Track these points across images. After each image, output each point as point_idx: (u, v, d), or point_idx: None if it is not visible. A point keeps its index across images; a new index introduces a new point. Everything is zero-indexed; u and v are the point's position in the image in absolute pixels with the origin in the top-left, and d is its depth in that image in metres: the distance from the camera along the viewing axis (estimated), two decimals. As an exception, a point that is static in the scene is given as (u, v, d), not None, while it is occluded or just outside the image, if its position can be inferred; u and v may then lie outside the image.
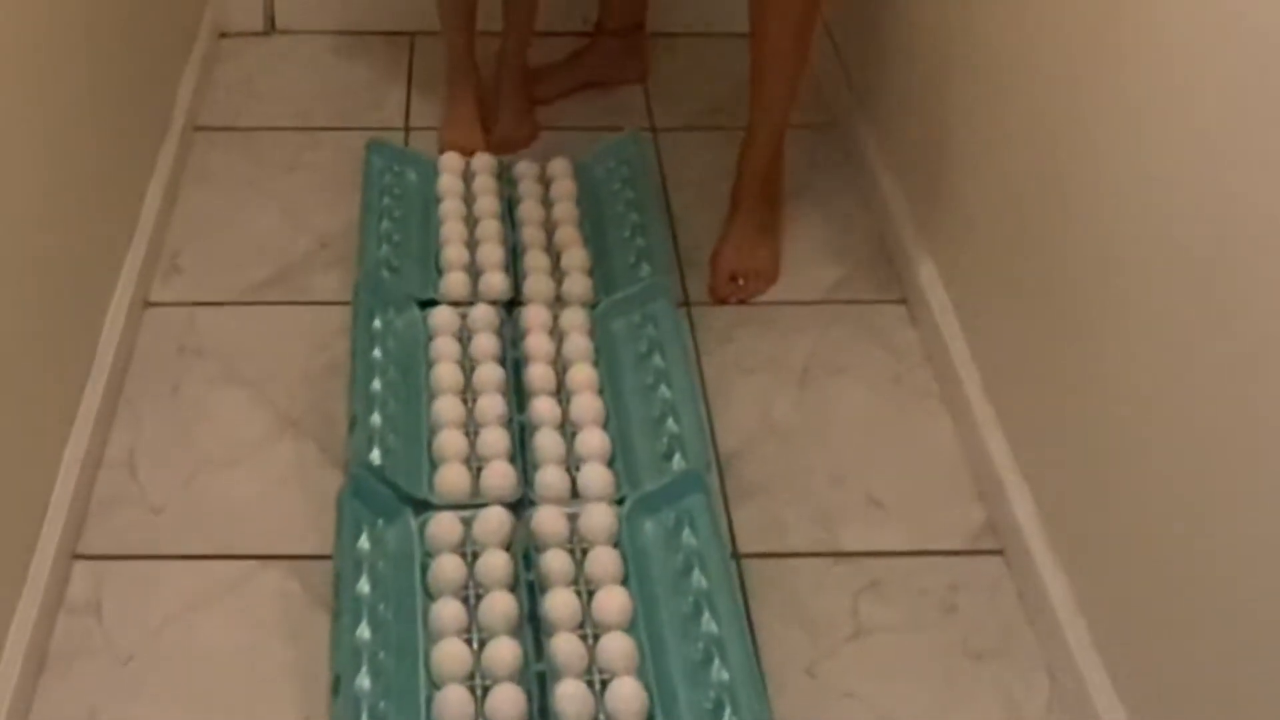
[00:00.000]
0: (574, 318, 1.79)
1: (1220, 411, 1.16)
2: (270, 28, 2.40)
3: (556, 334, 1.77)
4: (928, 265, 1.84)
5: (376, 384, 1.67)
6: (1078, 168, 1.42)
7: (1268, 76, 1.09)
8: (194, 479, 1.60)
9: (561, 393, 1.69)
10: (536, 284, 1.83)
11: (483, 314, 1.78)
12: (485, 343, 1.74)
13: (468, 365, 1.72)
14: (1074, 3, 1.42)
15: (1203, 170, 1.18)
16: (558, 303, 1.82)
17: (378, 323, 1.75)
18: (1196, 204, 1.19)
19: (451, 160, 2.03)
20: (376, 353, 1.72)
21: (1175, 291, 1.23)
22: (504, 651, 1.38)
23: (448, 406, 1.65)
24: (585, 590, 1.46)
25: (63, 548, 1.48)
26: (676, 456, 1.61)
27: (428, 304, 1.80)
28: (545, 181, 2.02)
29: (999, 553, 1.56)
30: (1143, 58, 1.28)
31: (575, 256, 1.88)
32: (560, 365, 1.73)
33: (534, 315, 1.78)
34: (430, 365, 1.71)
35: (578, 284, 1.84)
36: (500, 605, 1.42)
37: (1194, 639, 1.22)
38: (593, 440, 1.62)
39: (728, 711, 1.35)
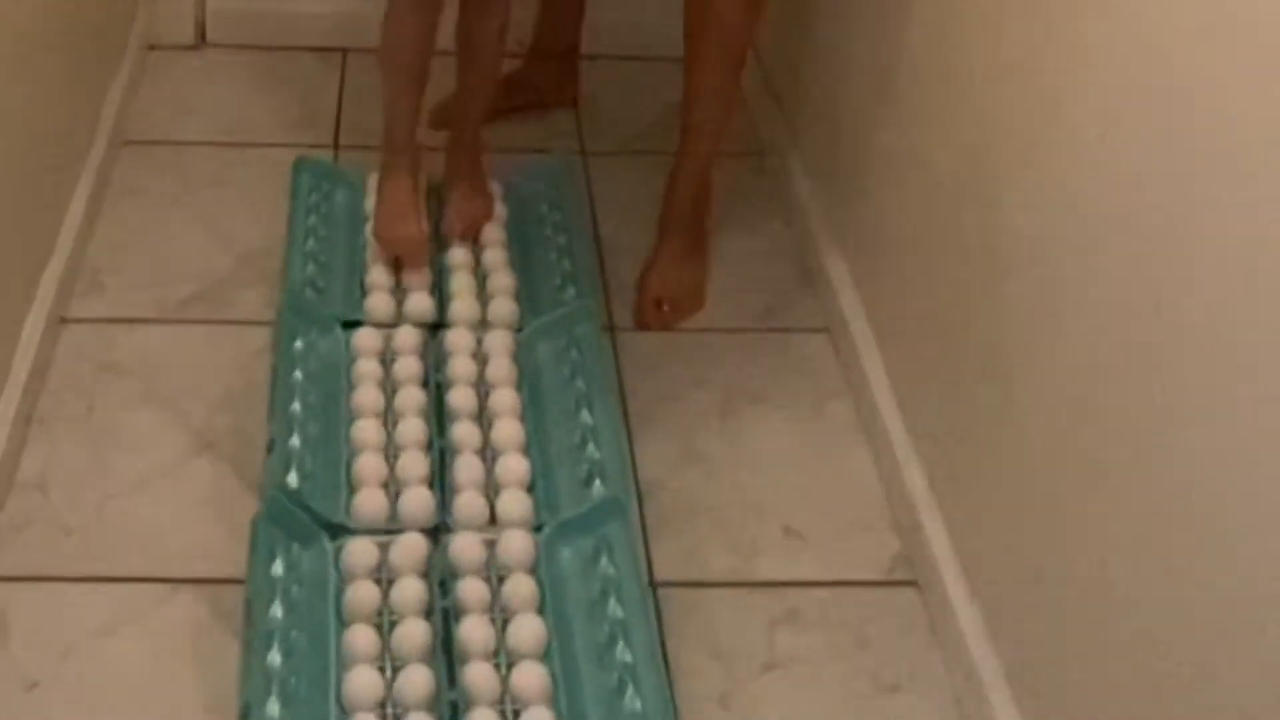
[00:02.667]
0: (498, 341, 1.78)
1: (1138, 447, 1.18)
2: (200, 41, 2.38)
3: (480, 357, 1.77)
4: (850, 295, 1.86)
5: (296, 406, 1.66)
6: (1005, 201, 1.44)
7: (1202, 119, 1.11)
8: (107, 501, 1.58)
9: (483, 417, 1.69)
10: (462, 307, 1.83)
11: (406, 336, 1.77)
12: (408, 365, 1.73)
13: (390, 388, 1.71)
14: (1007, 33, 1.44)
15: (1133, 209, 1.20)
16: (483, 326, 1.82)
17: (300, 343, 1.74)
18: (1123, 244, 1.21)
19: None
20: (298, 374, 1.70)
21: (1095, 329, 1.25)
22: (416, 680, 1.37)
23: (367, 430, 1.64)
24: (500, 618, 1.46)
25: (-32, 570, 1.46)
26: (596, 483, 1.61)
27: (352, 325, 1.79)
28: (473, 203, 2.02)
29: (914, 584, 1.57)
30: (1074, 90, 1.30)
31: (501, 280, 1.88)
32: (483, 389, 1.72)
33: (458, 338, 1.78)
34: (352, 387, 1.70)
35: (503, 307, 1.84)
36: (414, 633, 1.42)
37: (1107, 676, 1.23)
38: (513, 466, 1.61)
39: (641, 744, 1.35)
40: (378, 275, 1.86)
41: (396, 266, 1.85)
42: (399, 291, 1.85)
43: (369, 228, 1.89)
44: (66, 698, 1.39)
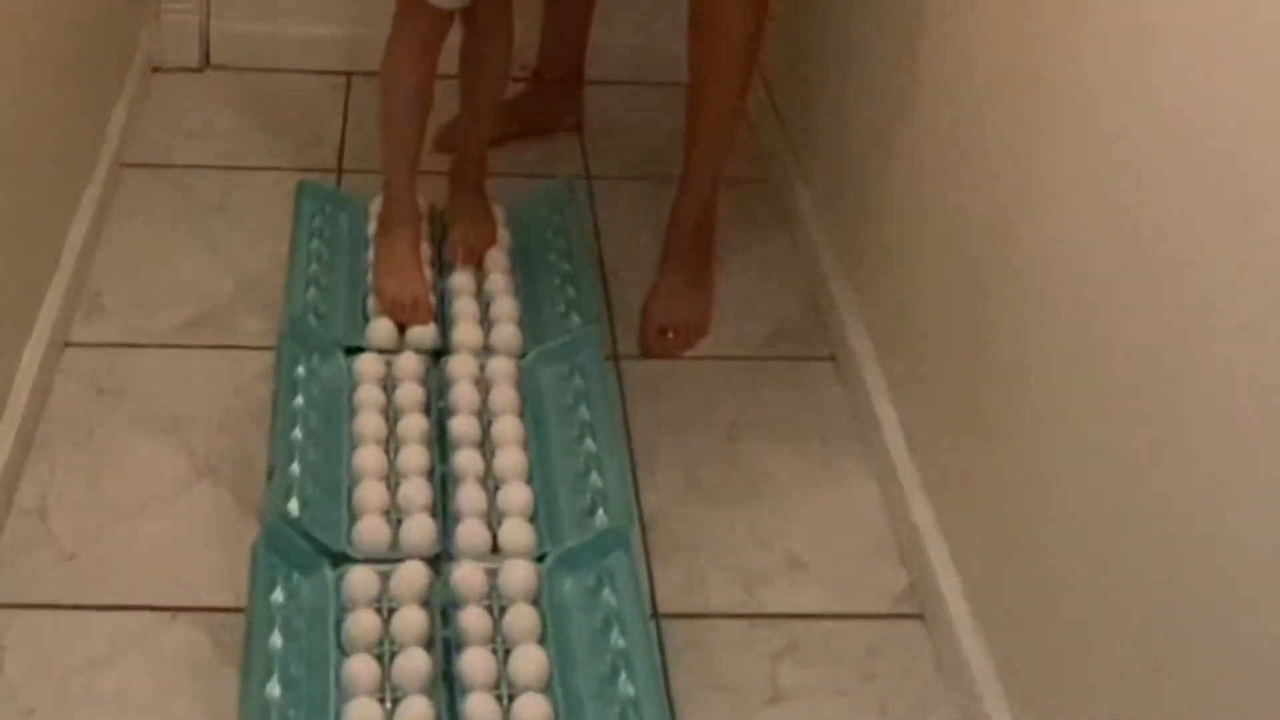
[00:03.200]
0: (501, 368, 1.77)
1: (1149, 481, 1.17)
2: (205, 64, 2.38)
3: (483, 384, 1.76)
4: (857, 324, 1.85)
5: (298, 432, 1.65)
6: (1010, 231, 1.43)
7: (1225, 157, 1.10)
8: (107, 526, 1.57)
9: (486, 445, 1.68)
10: (464, 333, 1.82)
11: (408, 362, 1.76)
12: (410, 392, 1.72)
13: (392, 414, 1.70)
14: (1018, 57, 1.43)
15: (1153, 244, 1.18)
16: (485, 352, 1.81)
17: (301, 369, 1.73)
18: (1141, 282, 1.20)
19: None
20: (299, 399, 1.69)
21: (1106, 358, 1.24)
22: (416, 711, 1.36)
23: (369, 457, 1.62)
24: (502, 649, 1.44)
25: (-34, 596, 1.45)
26: (599, 512, 1.60)
27: (354, 350, 1.78)
28: (477, 228, 2.01)
29: (919, 617, 1.56)
30: (1090, 117, 1.29)
31: (504, 306, 1.87)
32: (486, 417, 1.71)
33: (460, 365, 1.77)
34: (353, 414, 1.69)
35: (506, 334, 1.83)
36: (414, 663, 1.40)
37: (1115, 710, 1.22)
38: (515, 495, 1.60)
39: (643, 779, 1.34)
40: (381, 301, 1.85)
41: (402, 326, 1.80)
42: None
43: (368, 280, 1.85)
44: (60, 727, 1.38)
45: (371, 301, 1.83)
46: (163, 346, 1.82)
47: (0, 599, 1.48)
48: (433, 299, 1.84)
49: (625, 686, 1.41)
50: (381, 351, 1.78)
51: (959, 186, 1.56)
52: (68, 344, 1.80)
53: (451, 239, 1.93)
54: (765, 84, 2.27)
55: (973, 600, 1.49)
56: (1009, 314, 1.43)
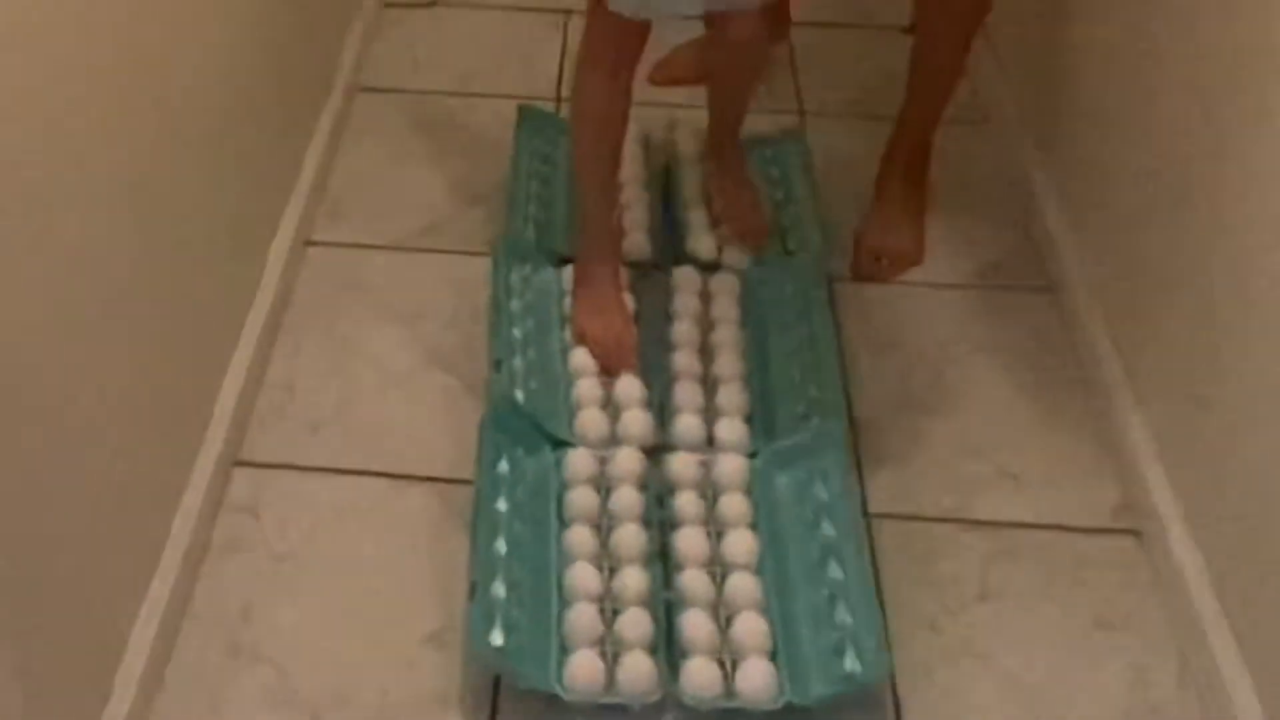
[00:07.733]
0: (725, 281, 1.81)
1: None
2: (433, 0, 2.48)
3: (705, 296, 1.79)
4: (1073, 257, 1.84)
5: (517, 331, 1.72)
6: (1228, 164, 1.41)
7: None
8: (347, 402, 1.67)
9: (705, 351, 1.71)
10: (691, 245, 1.85)
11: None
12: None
13: (609, 319, 1.74)
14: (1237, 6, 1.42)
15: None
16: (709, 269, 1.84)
17: (516, 276, 1.79)
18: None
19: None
20: (515, 303, 1.75)
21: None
22: (633, 579, 1.41)
23: (587, 355, 1.67)
24: (715, 532, 1.48)
25: (225, 454, 1.55)
26: (815, 420, 1.62)
27: (568, 261, 1.83)
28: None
29: (1134, 533, 1.55)
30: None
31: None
32: (706, 325, 1.75)
33: (684, 278, 1.80)
34: (566, 320, 1.74)
35: (732, 254, 1.85)
36: (631, 536, 1.46)
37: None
38: (732, 395, 1.64)
39: (850, 653, 1.37)
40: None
41: (606, 370, 1.65)
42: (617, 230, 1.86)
43: (568, 329, 1.72)
44: (312, 571, 1.48)
45: (570, 335, 1.71)
46: (396, 249, 1.91)
47: (256, 458, 1.59)
48: (635, 334, 1.70)
49: (834, 571, 1.44)
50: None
51: (1176, 124, 1.54)
52: (309, 243, 1.91)
53: (727, 228, 1.88)
54: (987, 30, 2.26)
55: (1190, 518, 1.48)
56: (1226, 240, 1.41)
